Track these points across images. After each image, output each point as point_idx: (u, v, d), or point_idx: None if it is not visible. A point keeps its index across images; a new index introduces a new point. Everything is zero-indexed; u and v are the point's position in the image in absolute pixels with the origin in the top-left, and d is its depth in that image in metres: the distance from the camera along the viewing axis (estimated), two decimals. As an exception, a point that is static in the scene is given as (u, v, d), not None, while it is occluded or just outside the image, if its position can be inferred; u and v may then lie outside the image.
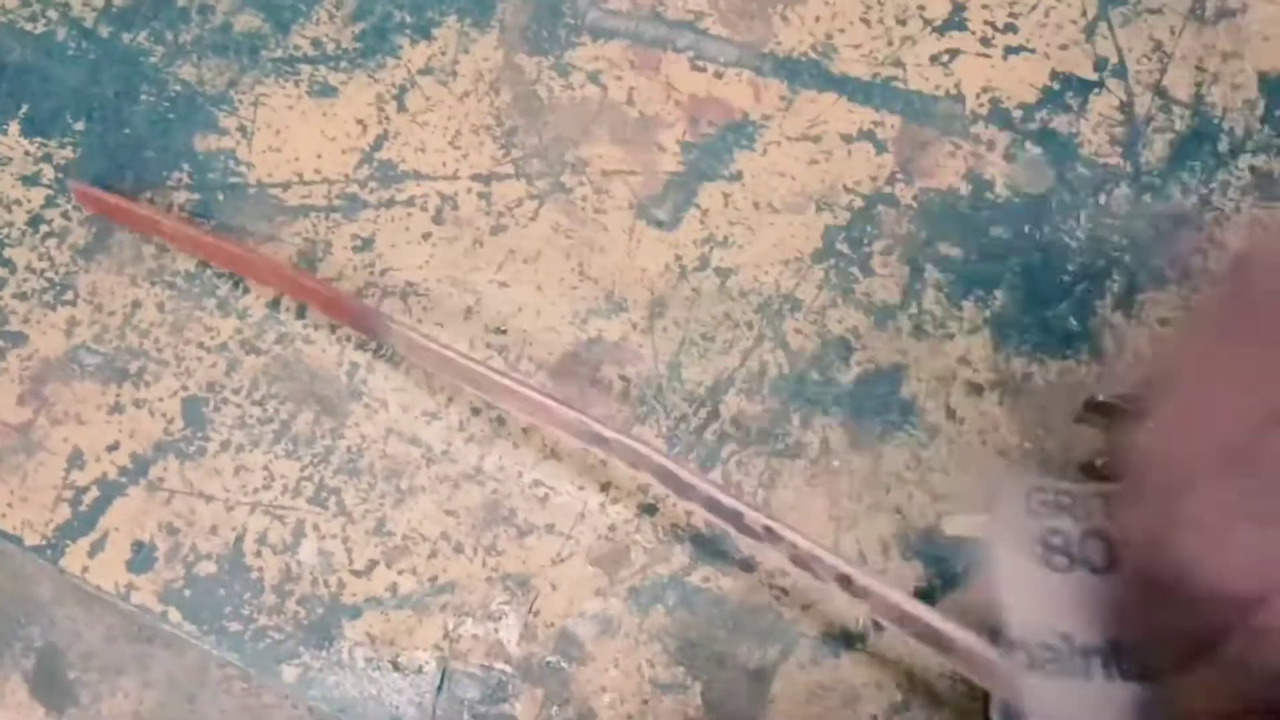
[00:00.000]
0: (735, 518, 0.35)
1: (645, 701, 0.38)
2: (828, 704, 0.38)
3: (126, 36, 0.44)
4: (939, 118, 0.44)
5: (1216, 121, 0.43)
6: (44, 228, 0.42)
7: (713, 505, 0.36)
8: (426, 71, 0.44)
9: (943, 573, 0.39)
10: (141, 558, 0.39)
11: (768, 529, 0.35)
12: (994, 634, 0.32)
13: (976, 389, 0.41)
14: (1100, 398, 0.38)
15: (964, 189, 0.43)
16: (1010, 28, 0.45)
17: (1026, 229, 0.42)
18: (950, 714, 0.38)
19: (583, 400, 0.41)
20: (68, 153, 0.43)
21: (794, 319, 0.42)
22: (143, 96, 0.44)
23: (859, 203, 0.43)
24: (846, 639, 0.39)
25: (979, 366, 0.41)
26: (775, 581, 0.39)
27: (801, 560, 0.35)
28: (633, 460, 0.37)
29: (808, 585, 0.39)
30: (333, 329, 0.41)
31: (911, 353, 0.41)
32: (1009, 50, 0.44)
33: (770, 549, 0.35)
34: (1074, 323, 0.41)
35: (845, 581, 0.34)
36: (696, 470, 0.37)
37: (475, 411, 0.41)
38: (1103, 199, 0.43)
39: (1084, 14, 0.45)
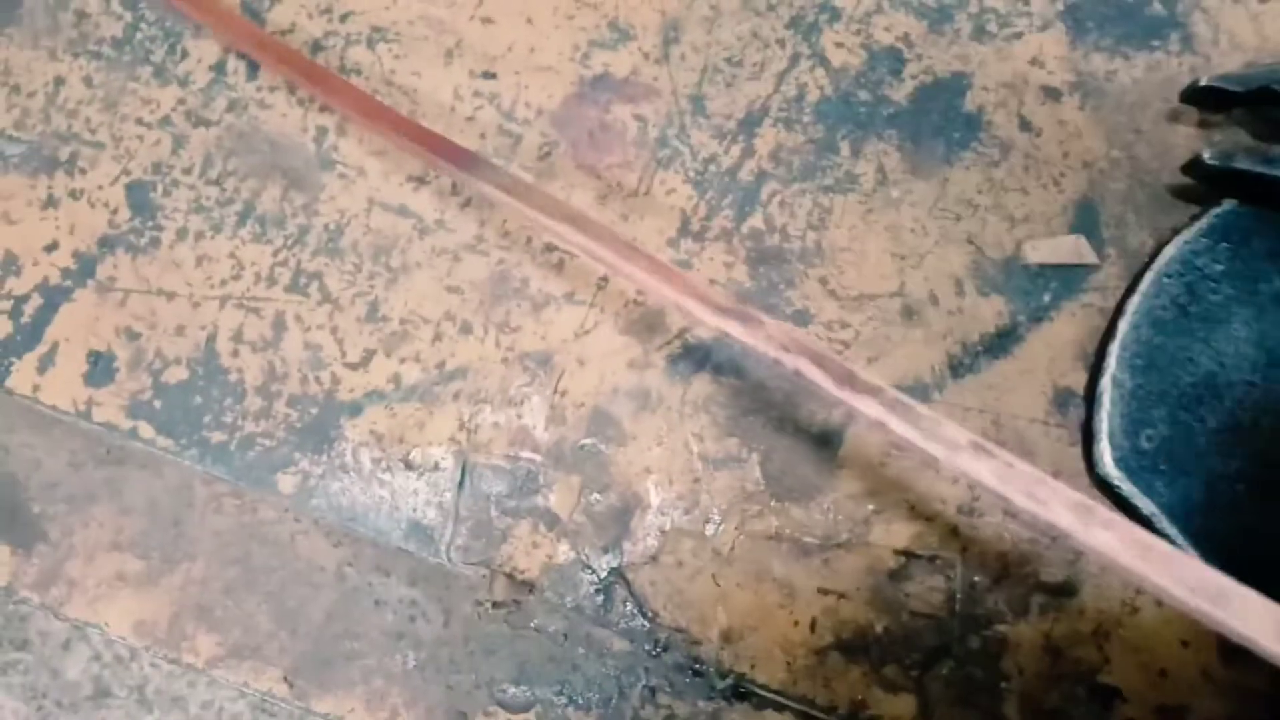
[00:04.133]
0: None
1: (696, 480, 0.33)
2: (902, 464, 0.33)
3: None
4: None
5: None
6: (-62, 2, 0.36)
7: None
8: None
9: (1028, 306, 0.34)
10: (100, 369, 0.34)
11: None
12: None
13: (1053, 94, 0.35)
14: (1203, 81, 0.33)
15: None
16: None
17: (1099, -98, 0.36)
18: (1046, 461, 0.33)
19: (593, 149, 0.35)
20: (-46, -91, 0.36)
21: (833, 30, 0.35)
22: None
23: (899, -113, 0.36)
24: (921, 390, 0.34)
25: (1054, 68, 0.35)
26: (835, 334, 0.34)
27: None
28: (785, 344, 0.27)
29: (874, 333, 0.34)
30: (291, 89, 0.35)
31: (974, 58, 0.35)
32: None
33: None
34: (1160, 8, 0.35)
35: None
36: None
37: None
38: None
39: None
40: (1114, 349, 0.33)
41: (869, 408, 0.25)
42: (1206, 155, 0.32)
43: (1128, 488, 0.32)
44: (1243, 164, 0.32)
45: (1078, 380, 0.34)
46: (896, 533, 0.33)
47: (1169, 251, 0.33)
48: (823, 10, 0.35)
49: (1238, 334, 0.32)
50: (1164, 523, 0.32)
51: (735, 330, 0.27)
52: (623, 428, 0.34)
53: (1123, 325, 0.33)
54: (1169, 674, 0.31)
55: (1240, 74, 0.32)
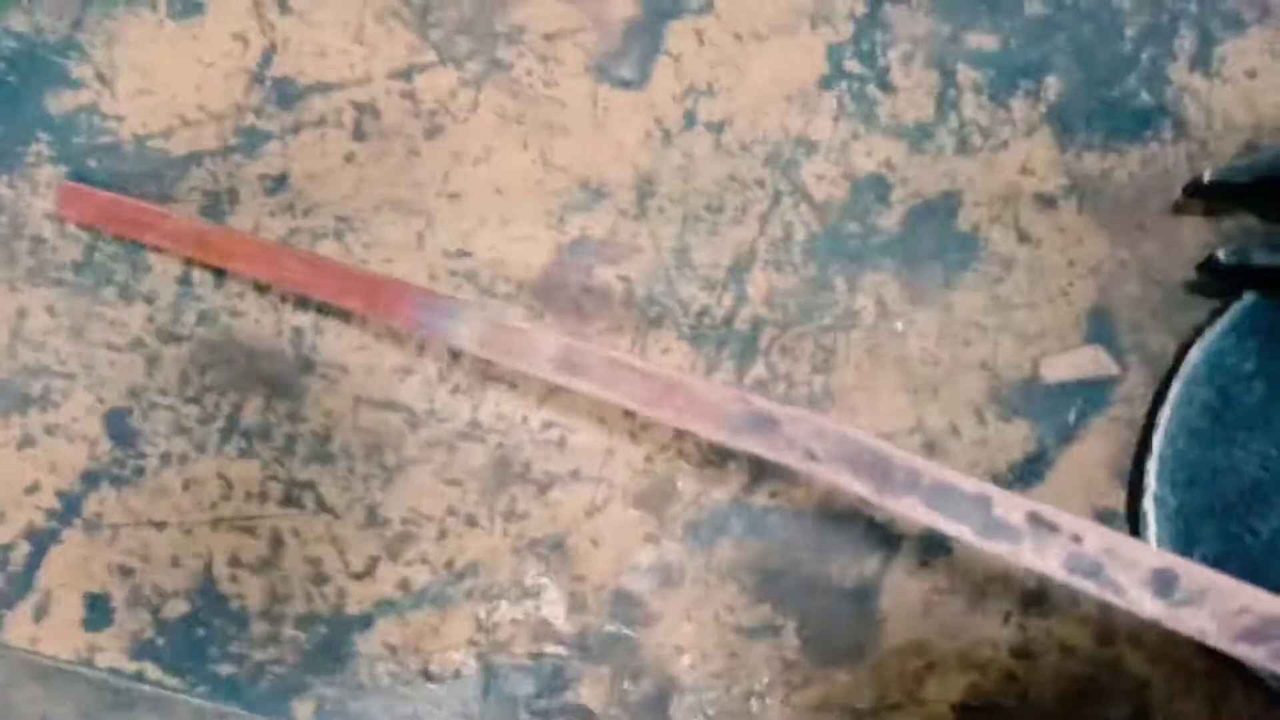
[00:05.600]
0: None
1: (733, 654, 0.32)
2: (949, 610, 0.32)
3: (-64, -5, 0.36)
4: (935, -115, 0.35)
5: None
6: (-110, 246, 0.34)
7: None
8: (306, -40, 0.36)
9: (1054, 427, 0.32)
10: (97, 612, 0.32)
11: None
12: None
13: (1048, 201, 0.33)
14: (1206, 177, 0.31)
15: (983, -36, 0.35)
16: None
17: (1068, -4, 0.34)
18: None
19: (579, 316, 0.33)
20: (-102, 150, 0.35)
21: (812, 163, 0.34)
22: (-27, 63, 0.35)
23: (861, 8, 0.35)
24: (955, 530, 0.32)
25: (1045, 174, 0.34)
26: (856, 480, 0.32)
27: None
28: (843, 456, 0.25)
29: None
30: (261, 292, 0.34)
31: (961, 174, 0.34)
32: None
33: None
34: (1147, 97, 0.34)
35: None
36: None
37: (456, 355, 0.33)
38: (1152, -59, 0.35)
39: None
40: (1151, 466, 0.31)
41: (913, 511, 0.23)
42: (1222, 254, 0.31)
43: (1186, 611, 0.30)
44: (1261, 259, 0.30)
45: (1117, 499, 0.32)
46: (950, 686, 0.31)
47: (1194, 355, 0.31)
48: (798, 145, 0.34)
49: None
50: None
51: (755, 446, 0.25)
52: (648, 607, 0.32)
53: (1158, 440, 0.31)
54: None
55: (1244, 164, 0.31)
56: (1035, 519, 0.22)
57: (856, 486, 0.24)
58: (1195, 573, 0.22)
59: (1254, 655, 0.22)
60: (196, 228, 0.33)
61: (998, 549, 0.23)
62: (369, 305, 0.30)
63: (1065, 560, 0.22)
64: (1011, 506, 0.22)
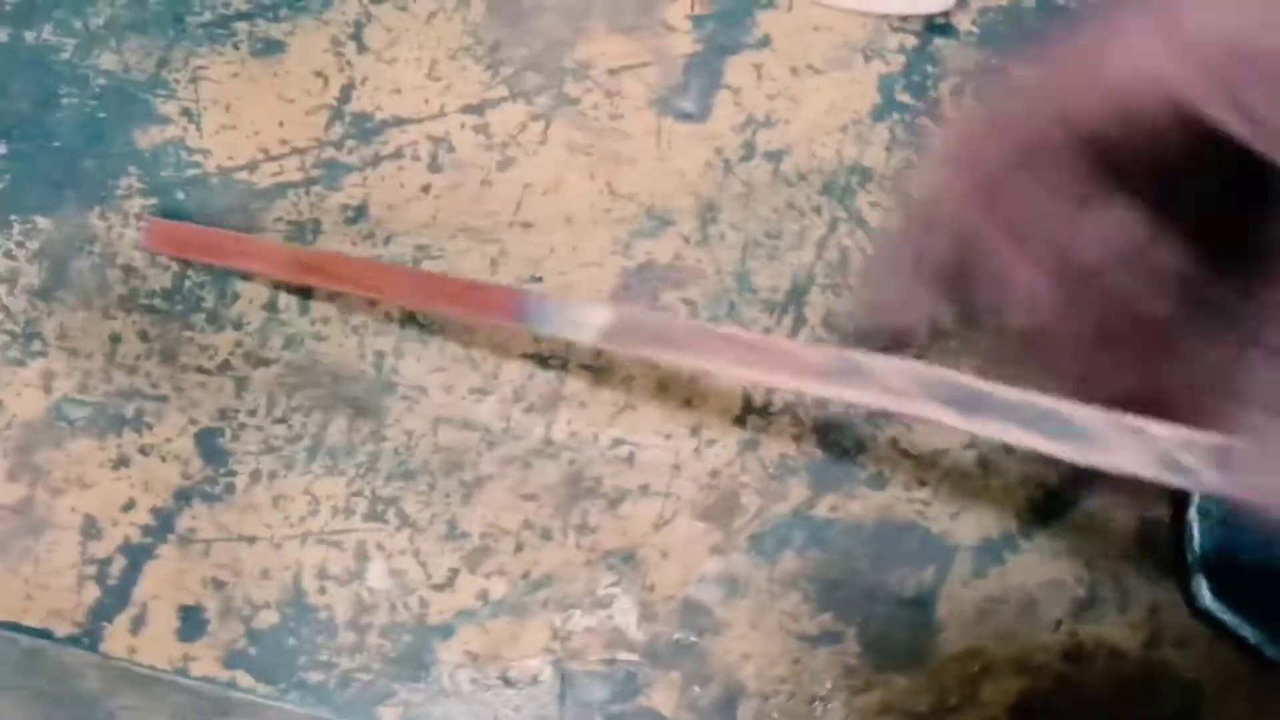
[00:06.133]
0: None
1: (796, 660, 0.33)
2: (1002, 618, 0.33)
3: (29, 35, 0.38)
4: (980, -76, 0.37)
5: None
6: (-11, 275, 0.36)
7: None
8: None
9: (1101, 442, 0.34)
10: (191, 623, 0.34)
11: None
12: None
13: (1094, 225, 0.35)
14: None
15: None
16: None
17: (1110, 29, 0.36)
18: (1143, 598, 0.33)
19: (647, 337, 0.35)
20: (-6, 184, 0.37)
21: (867, 191, 0.36)
22: (64, 100, 0.37)
23: (912, 41, 0.36)
24: (1008, 540, 0.33)
25: (1090, 199, 0.35)
26: (913, 494, 0.34)
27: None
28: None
29: (953, 488, 0.34)
30: (345, 318, 0.35)
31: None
32: None
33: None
34: (1187, 126, 0.35)
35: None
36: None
37: (529, 376, 0.35)
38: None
39: None
40: (1196, 478, 0.32)
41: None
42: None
43: (1230, 619, 0.32)
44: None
45: (1163, 510, 0.33)
46: (1005, 689, 0.33)
47: (1236, 372, 0.33)
48: (853, 172, 0.36)
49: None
50: (1273, 650, 0.32)
51: (844, 392, 0.26)
52: (715, 616, 0.34)
53: (1201, 453, 0.33)
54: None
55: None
56: (1123, 427, 0.23)
57: (946, 417, 0.26)
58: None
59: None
60: (290, 251, 0.35)
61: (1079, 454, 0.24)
62: (475, 309, 0.33)
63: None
64: (1093, 418, 0.23)
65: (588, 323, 0.30)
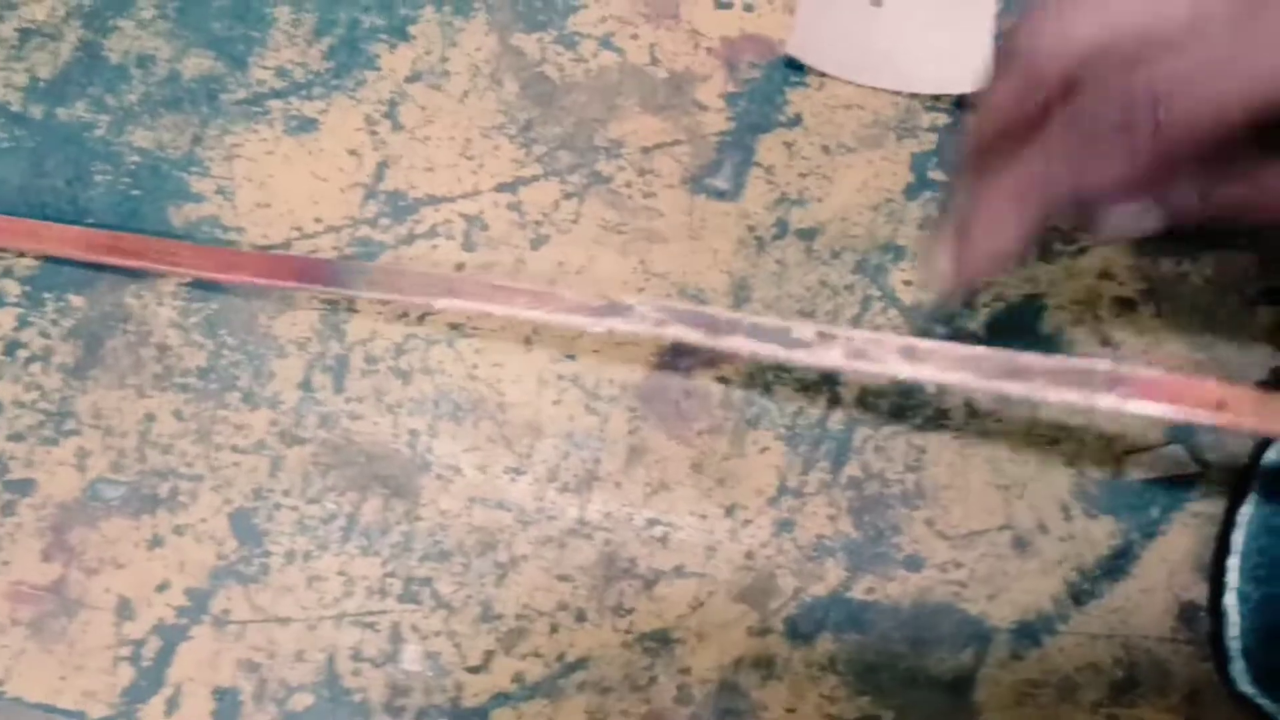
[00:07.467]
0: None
1: (834, 744, 0.33)
2: (1041, 701, 0.33)
3: (63, 112, 0.38)
4: None
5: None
6: (22, 353, 0.36)
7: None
8: (414, 78, 0.38)
9: (1138, 523, 0.34)
10: (226, 705, 0.34)
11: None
12: None
13: (1128, 304, 0.35)
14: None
15: (1059, 77, 0.37)
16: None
17: (1141, 108, 0.36)
18: (1182, 681, 0.33)
19: (680, 418, 0.35)
20: (30, 261, 0.37)
21: (900, 269, 0.36)
22: (98, 177, 0.37)
23: (943, 119, 0.37)
24: (1045, 622, 0.33)
25: (1124, 278, 0.35)
26: (950, 575, 0.34)
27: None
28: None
29: (989, 569, 0.34)
30: (379, 397, 0.35)
31: (1044, 279, 0.35)
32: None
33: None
34: (1219, 204, 0.35)
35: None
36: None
37: (564, 455, 0.35)
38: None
39: None
40: (1233, 563, 0.32)
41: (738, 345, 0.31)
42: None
43: (1269, 704, 0.32)
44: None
45: (1200, 592, 0.33)
46: (1044, 775, 0.33)
47: (1272, 455, 0.33)
48: (886, 251, 0.36)
49: (1358, 530, 0.32)
50: (1315, 735, 0.31)
51: (616, 325, 0.32)
52: (751, 699, 0.34)
53: (1238, 537, 0.33)
54: None
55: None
56: (822, 335, 0.30)
57: (692, 336, 0.31)
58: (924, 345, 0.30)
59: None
60: (81, 233, 0.37)
61: (798, 358, 0.31)
62: (264, 276, 0.35)
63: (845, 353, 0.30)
64: (804, 328, 0.31)
65: (362, 280, 0.34)
